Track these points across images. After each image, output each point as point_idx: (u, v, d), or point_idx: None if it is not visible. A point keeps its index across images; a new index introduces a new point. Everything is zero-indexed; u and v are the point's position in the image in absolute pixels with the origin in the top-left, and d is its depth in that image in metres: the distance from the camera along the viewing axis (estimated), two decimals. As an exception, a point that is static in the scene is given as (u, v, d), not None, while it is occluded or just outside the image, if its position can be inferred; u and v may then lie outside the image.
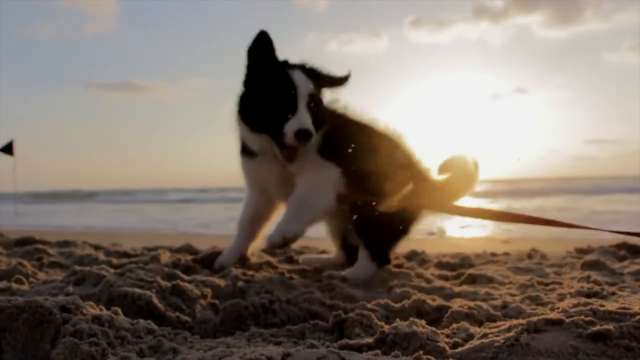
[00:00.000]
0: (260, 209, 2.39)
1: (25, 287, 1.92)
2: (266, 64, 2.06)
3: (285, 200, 2.21)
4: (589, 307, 1.31)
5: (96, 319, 1.30)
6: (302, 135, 1.93)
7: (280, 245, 2.04)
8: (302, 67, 2.10)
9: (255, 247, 2.47)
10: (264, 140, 2.08)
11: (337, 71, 2.20)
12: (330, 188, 2.11)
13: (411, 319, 1.29)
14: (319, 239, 3.43)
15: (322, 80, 2.13)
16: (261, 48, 2.05)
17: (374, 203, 2.04)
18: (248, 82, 2.11)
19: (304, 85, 2.01)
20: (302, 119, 1.95)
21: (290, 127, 1.94)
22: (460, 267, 2.70)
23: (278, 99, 1.99)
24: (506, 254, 3.32)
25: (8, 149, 11.54)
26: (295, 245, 3.19)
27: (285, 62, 2.10)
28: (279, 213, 2.34)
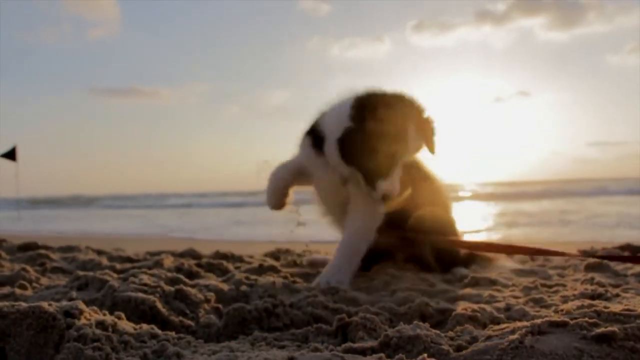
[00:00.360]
0: (296, 175, 2.36)
1: (29, 292, 1.92)
2: (385, 110, 1.99)
3: (320, 198, 2.38)
4: (593, 308, 1.31)
5: (100, 324, 1.31)
6: (387, 198, 2.02)
7: (327, 290, 2.01)
8: (417, 115, 2.07)
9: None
10: (351, 171, 2.10)
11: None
12: (375, 226, 2.23)
13: (415, 322, 1.29)
14: (321, 242, 3.44)
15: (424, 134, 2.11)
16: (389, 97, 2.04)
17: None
18: (360, 120, 2.00)
19: (412, 148, 2.05)
20: (394, 183, 2.01)
21: (380, 187, 2.01)
22: (463, 269, 2.69)
23: (386, 154, 2.00)
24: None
25: (11, 155, 11.58)
26: (297, 249, 3.20)
27: (405, 107, 2.04)
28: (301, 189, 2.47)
